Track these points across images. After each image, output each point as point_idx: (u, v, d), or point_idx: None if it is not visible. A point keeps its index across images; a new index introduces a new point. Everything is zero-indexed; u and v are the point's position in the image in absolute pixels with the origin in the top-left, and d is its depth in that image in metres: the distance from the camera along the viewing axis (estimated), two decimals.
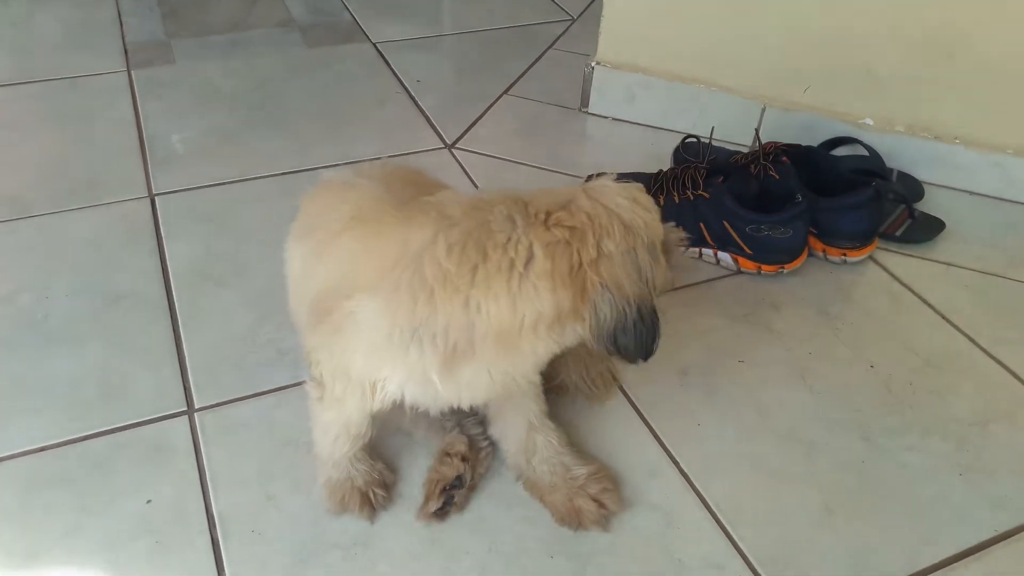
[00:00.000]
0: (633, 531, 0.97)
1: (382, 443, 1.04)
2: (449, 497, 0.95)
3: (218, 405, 1.09)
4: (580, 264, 0.76)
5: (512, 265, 0.76)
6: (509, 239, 0.76)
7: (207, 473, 1.01)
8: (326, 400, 0.91)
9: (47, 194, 1.47)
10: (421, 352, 0.79)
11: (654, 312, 0.79)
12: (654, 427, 1.09)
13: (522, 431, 0.98)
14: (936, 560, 0.96)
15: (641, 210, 0.80)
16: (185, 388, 1.12)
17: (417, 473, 1.01)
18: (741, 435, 1.09)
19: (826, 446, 1.08)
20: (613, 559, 0.94)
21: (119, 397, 1.10)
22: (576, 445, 1.03)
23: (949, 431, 1.11)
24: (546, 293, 0.76)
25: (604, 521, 0.96)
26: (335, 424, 0.93)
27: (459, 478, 0.96)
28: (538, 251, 0.76)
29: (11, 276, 1.29)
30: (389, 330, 0.79)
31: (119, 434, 1.05)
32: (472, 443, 1.00)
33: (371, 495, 0.96)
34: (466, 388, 0.83)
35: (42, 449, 1.03)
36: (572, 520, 0.96)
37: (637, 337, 0.78)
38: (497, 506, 0.99)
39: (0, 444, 1.04)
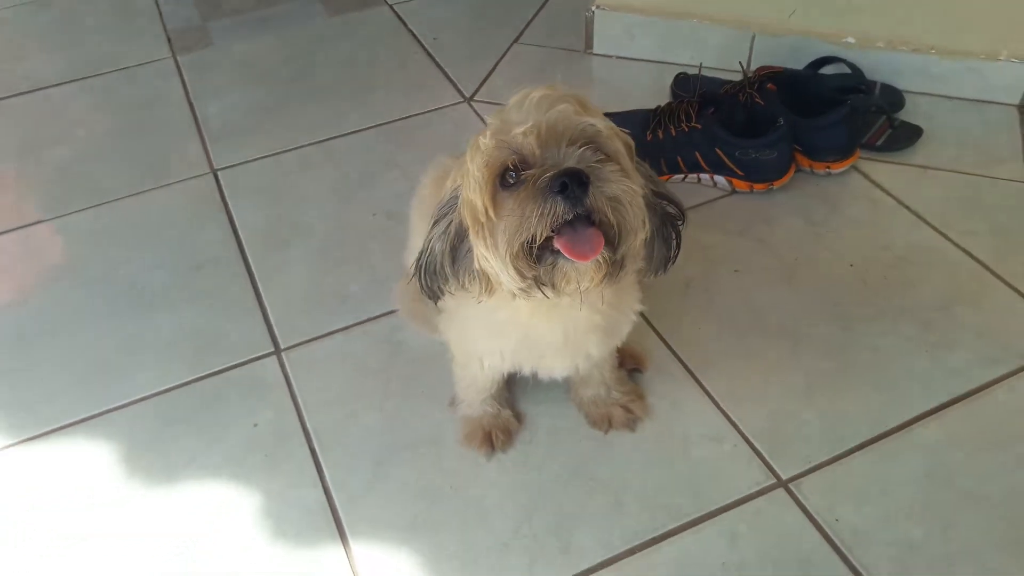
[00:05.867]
0: (646, 417, 1.18)
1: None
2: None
3: (299, 344, 1.32)
4: None
5: None
6: None
7: (299, 399, 1.24)
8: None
9: (122, 179, 1.68)
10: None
11: None
12: (660, 331, 1.29)
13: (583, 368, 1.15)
14: (900, 421, 1.16)
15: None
16: (271, 333, 1.34)
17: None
18: (736, 333, 1.29)
19: (809, 337, 1.27)
20: (630, 437, 1.16)
21: (216, 346, 1.33)
22: None
23: (917, 316, 1.29)
24: None
25: (632, 423, 1.17)
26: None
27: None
28: None
29: (106, 256, 1.52)
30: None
31: (222, 375, 1.29)
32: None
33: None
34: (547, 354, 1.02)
35: (163, 392, 1.27)
36: (603, 423, 1.17)
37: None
38: (534, 405, 1.20)
39: (128, 391, 1.27)
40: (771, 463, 1.12)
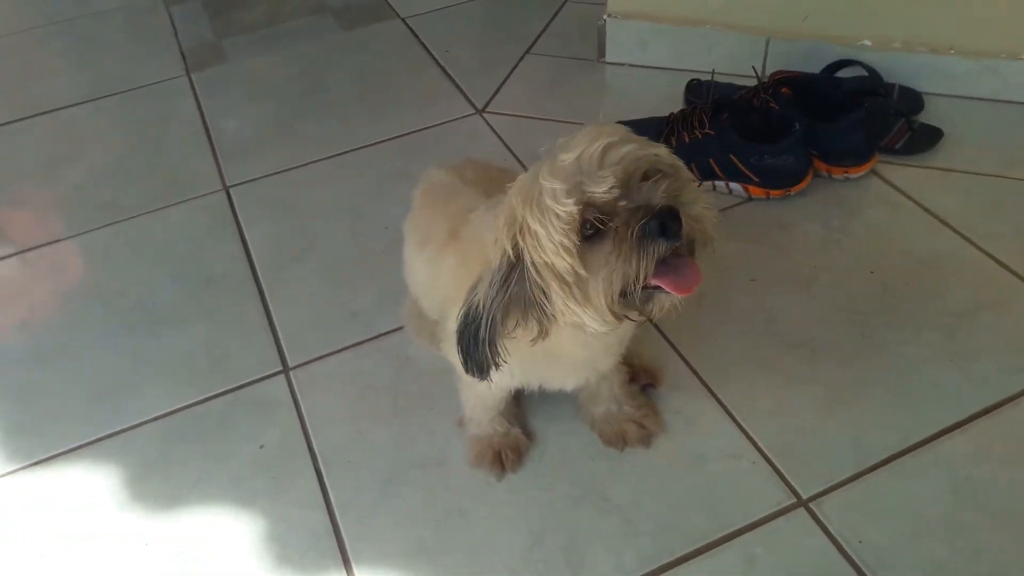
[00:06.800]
0: (660, 432, 1.15)
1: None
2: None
3: (308, 363, 1.31)
4: None
5: None
6: None
7: (306, 419, 1.22)
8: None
9: (137, 197, 1.69)
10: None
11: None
12: (674, 343, 1.26)
13: (592, 381, 1.13)
14: (925, 435, 1.11)
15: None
16: (279, 351, 1.33)
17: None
18: (752, 344, 1.25)
19: (828, 346, 1.23)
20: (643, 456, 1.12)
21: (225, 364, 1.32)
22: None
23: (941, 322, 1.25)
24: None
25: (646, 440, 1.14)
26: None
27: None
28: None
29: (121, 273, 1.52)
30: None
31: (230, 395, 1.28)
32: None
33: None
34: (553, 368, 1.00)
35: (171, 413, 1.26)
36: (617, 441, 1.13)
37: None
38: (544, 422, 1.18)
39: (138, 411, 1.27)
40: (791, 481, 1.08)
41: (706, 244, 0.84)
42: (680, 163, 0.84)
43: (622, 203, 0.79)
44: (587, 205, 0.78)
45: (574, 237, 0.79)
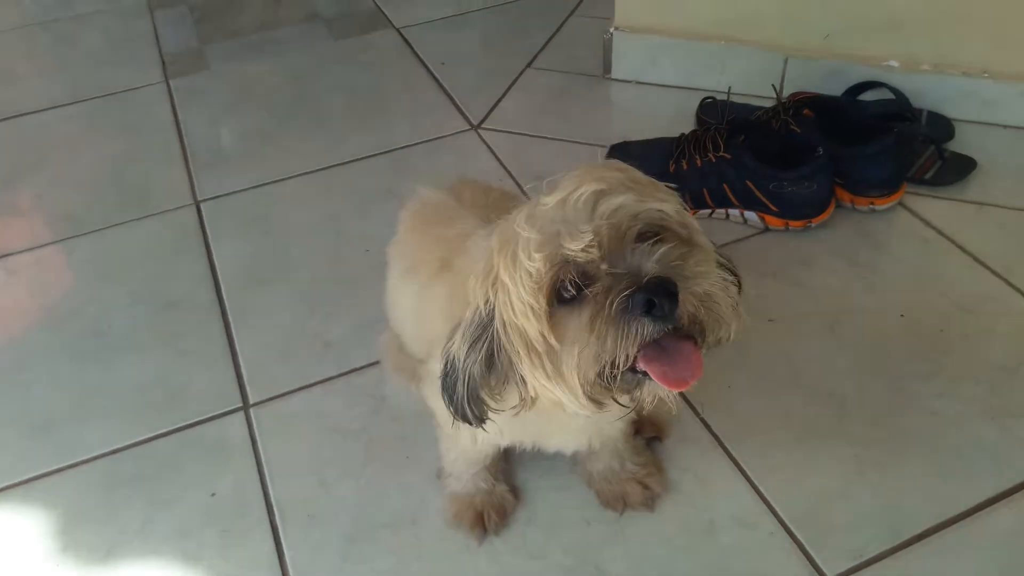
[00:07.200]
0: (665, 494, 1.01)
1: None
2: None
3: (271, 399, 1.17)
4: None
5: None
6: None
7: (264, 464, 1.08)
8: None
9: (100, 209, 1.56)
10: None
11: None
12: (684, 393, 1.12)
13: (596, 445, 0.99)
14: (968, 506, 0.97)
15: None
16: (240, 385, 1.19)
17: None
18: (771, 393, 1.12)
19: (856, 398, 1.10)
20: (646, 521, 0.98)
21: (180, 397, 1.18)
22: None
23: (981, 376, 1.11)
24: None
25: (650, 502, 0.99)
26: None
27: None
28: None
29: (76, 291, 1.38)
30: None
31: (182, 433, 1.14)
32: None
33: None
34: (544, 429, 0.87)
35: (115, 451, 1.12)
36: (617, 503, 0.99)
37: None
38: (535, 477, 1.04)
39: (79, 448, 1.13)
40: (813, 556, 0.94)
41: (720, 329, 0.68)
42: (694, 224, 0.70)
43: (604, 267, 0.64)
44: (565, 263, 0.64)
45: (543, 300, 0.65)
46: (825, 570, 0.93)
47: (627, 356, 0.65)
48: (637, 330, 0.63)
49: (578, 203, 0.65)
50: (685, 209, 0.70)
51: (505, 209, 0.90)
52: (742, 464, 1.03)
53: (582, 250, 0.64)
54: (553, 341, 0.66)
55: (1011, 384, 1.10)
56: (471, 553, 0.97)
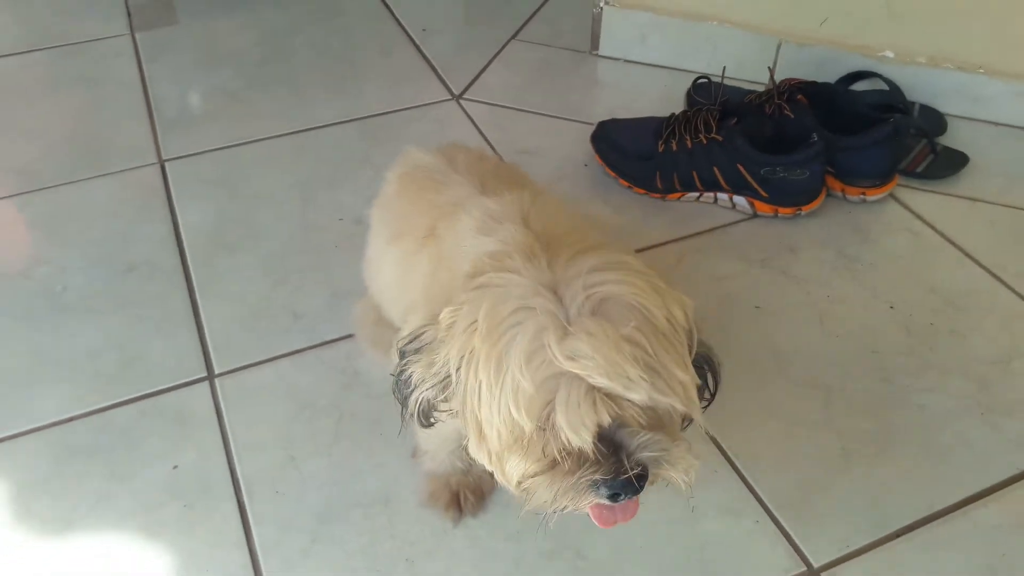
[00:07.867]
0: None
1: None
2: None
3: (237, 370, 1.11)
4: None
5: None
6: None
7: (230, 437, 1.03)
8: None
9: (57, 164, 1.47)
10: None
11: None
12: None
13: None
14: (954, 501, 0.96)
15: None
16: (204, 354, 1.13)
17: None
18: (758, 383, 1.09)
19: (843, 390, 1.08)
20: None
21: (140, 366, 1.12)
22: None
23: (970, 371, 1.10)
24: None
25: None
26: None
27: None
28: None
29: (27, 250, 1.30)
30: None
31: (143, 402, 1.07)
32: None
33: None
34: None
35: (70, 420, 1.05)
36: None
37: None
38: None
39: (29, 416, 1.06)
40: (800, 546, 0.92)
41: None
42: (697, 406, 0.64)
43: (591, 445, 0.60)
44: (554, 433, 0.60)
45: (508, 437, 0.62)
46: (811, 560, 0.91)
47: (573, 508, 0.64)
48: (593, 500, 0.63)
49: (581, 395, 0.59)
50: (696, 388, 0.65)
51: (502, 179, 0.85)
52: (728, 452, 1.00)
53: (575, 441, 0.60)
54: (506, 454, 0.63)
55: (999, 379, 1.09)
56: (447, 534, 0.93)
